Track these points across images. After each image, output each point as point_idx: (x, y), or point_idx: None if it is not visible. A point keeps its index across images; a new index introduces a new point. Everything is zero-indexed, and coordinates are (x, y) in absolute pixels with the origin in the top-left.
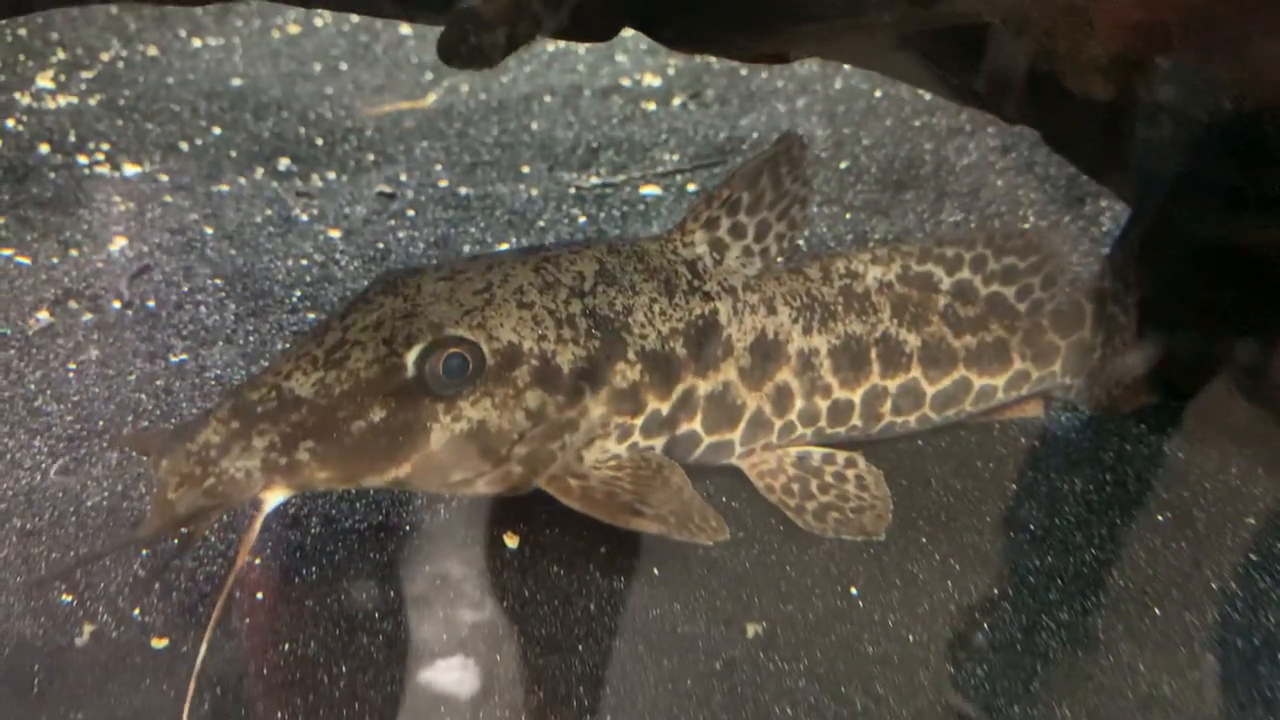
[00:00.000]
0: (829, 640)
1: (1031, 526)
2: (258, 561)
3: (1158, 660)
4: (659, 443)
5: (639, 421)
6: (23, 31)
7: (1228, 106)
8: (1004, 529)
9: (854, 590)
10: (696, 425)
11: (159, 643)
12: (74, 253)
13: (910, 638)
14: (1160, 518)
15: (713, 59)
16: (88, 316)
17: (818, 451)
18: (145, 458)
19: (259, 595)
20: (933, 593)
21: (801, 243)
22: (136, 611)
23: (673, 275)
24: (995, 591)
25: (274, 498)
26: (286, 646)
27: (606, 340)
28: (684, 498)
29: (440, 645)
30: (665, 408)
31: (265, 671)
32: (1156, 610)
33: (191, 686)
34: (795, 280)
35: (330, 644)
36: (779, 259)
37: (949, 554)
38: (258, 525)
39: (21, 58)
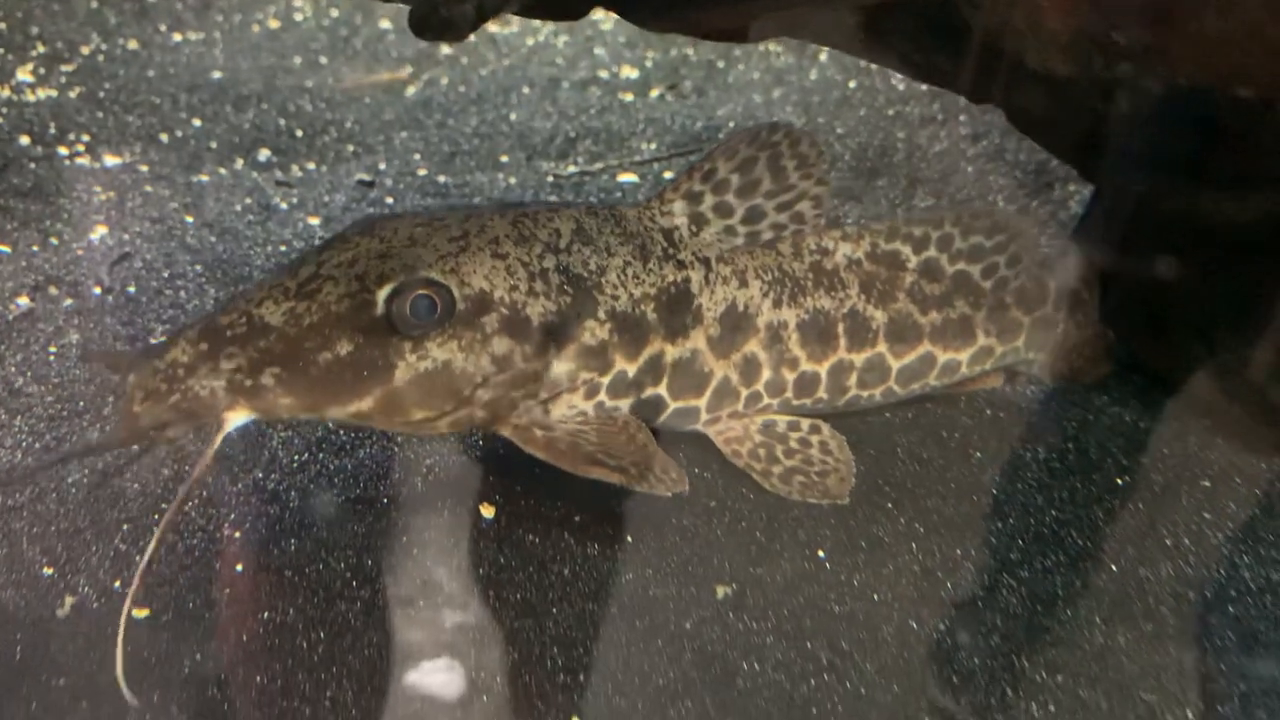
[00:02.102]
0: (797, 600)
1: (994, 491)
2: (237, 535)
3: (1113, 613)
4: (625, 403)
5: (606, 380)
6: (2, 26)
7: (1182, 83)
8: (967, 494)
9: (821, 553)
10: (663, 390)
11: (140, 613)
12: (54, 241)
13: (875, 596)
14: (1119, 481)
15: (690, 50)
16: (68, 302)
17: (782, 419)
18: (115, 373)
19: (239, 567)
20: (897, 555)
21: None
22: (117, 584)
23: (649, 241)
24: (958, 552)
25: (236, 419)
26: (266, 615)
27: (578, 297)
28: (648, 452)
29: (417, 612)
30: (632, 369)
31: (245, 639)
32: (1113, 566)
33: (134, 585)
34: (767, 255)
35: (309, 611)
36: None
37: (913, 518)
38: (216, 443)
39: (1, 51)
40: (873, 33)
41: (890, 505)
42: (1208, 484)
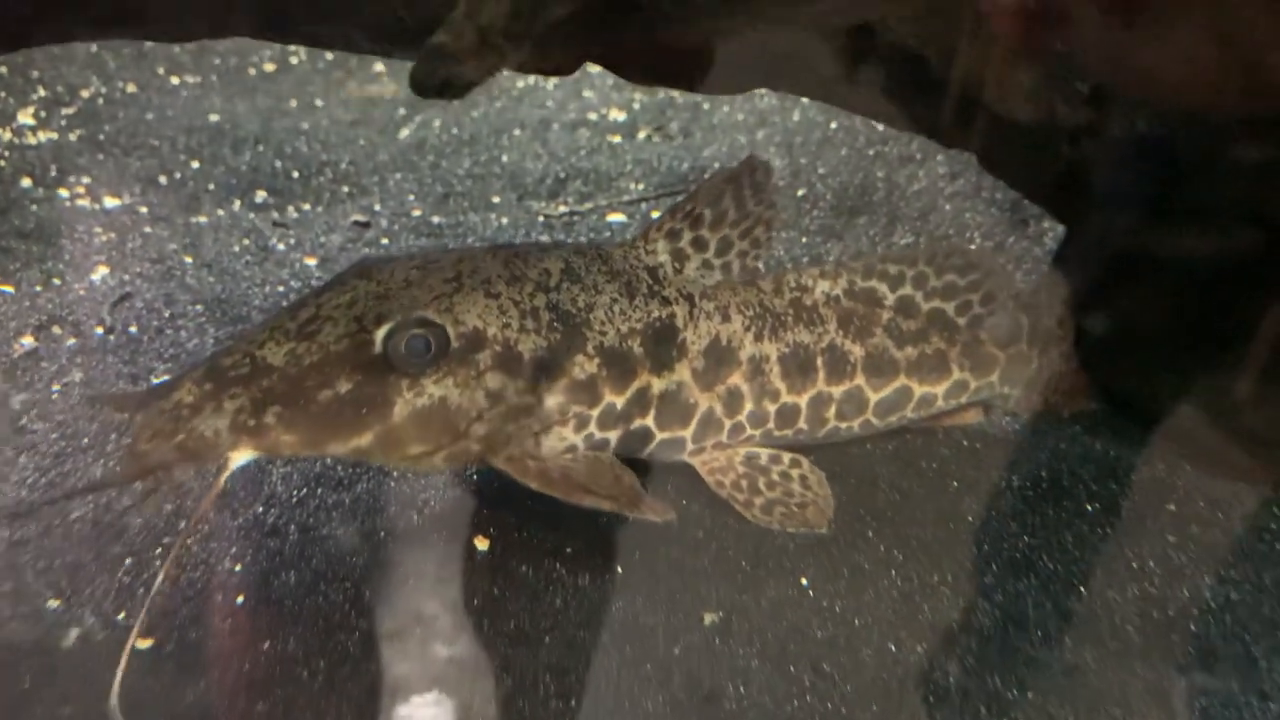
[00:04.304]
0: (780, 626)
1: (970, 519)
2: (238, 568)
3: (1081, 633)
4: (613, 435)
5: (595, 413)
6: (3, 70)
7: (1142, 126)
8: (944, 522)
9: (804, 580)
10: (650, 421)
11: (144, 643)
12: (56, 281)
13: (856, 621)
14: (1089, 507)
15: (676, 94)
16: (71, 341)
17: (765, 452)
18: (122, 413)
19: (240, 599)
20: (877, 581)
21: (761, 265)
22: (121, 615)
23: (634, 279)
24: (934, 578)
25: (240, 458)
26: (267, 644)
27: (567, 333)
28: (636, 490)
29: (413, 641)
30: (620, 402)
31: (247, 668)
32: (1082, 589)
33: (141, 617)
34: (749, 291)
35: (309, 641)
36: (739, 274)
37: (892, 545)
38: (221, 482)
39: (2, 94)
40: (850, 85)
41: (871, 534)
42: (1173, 507)
